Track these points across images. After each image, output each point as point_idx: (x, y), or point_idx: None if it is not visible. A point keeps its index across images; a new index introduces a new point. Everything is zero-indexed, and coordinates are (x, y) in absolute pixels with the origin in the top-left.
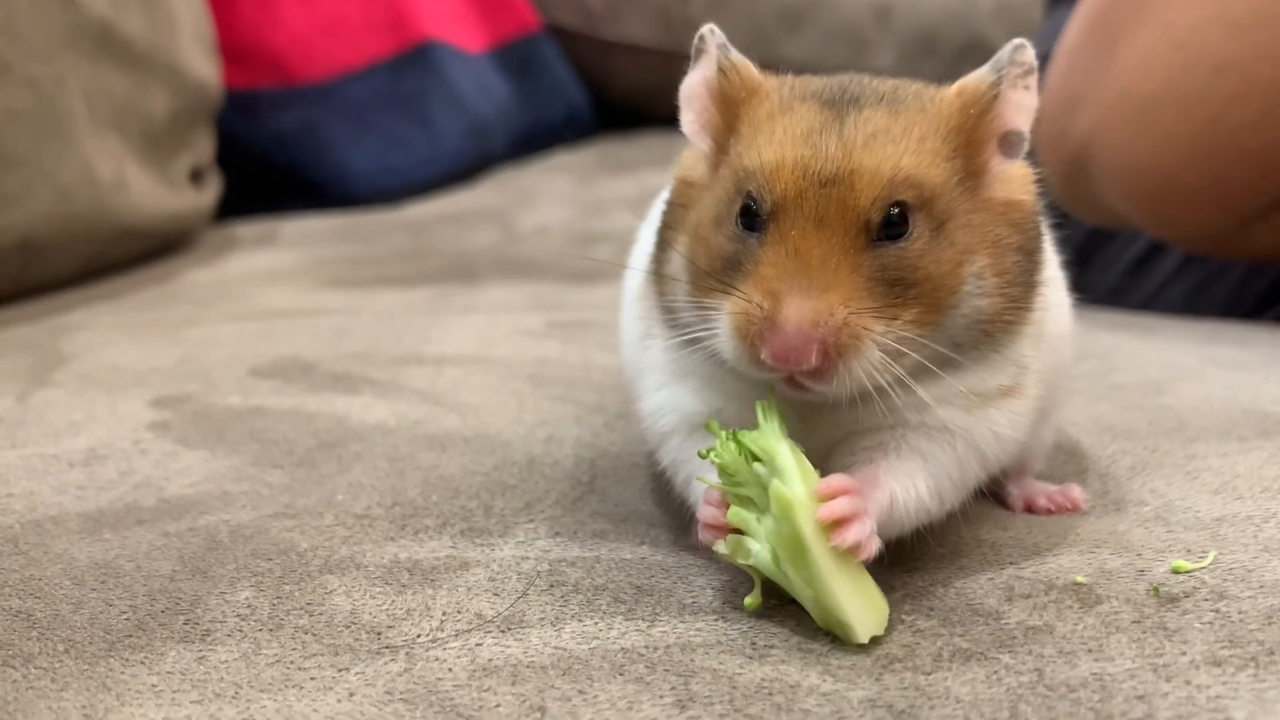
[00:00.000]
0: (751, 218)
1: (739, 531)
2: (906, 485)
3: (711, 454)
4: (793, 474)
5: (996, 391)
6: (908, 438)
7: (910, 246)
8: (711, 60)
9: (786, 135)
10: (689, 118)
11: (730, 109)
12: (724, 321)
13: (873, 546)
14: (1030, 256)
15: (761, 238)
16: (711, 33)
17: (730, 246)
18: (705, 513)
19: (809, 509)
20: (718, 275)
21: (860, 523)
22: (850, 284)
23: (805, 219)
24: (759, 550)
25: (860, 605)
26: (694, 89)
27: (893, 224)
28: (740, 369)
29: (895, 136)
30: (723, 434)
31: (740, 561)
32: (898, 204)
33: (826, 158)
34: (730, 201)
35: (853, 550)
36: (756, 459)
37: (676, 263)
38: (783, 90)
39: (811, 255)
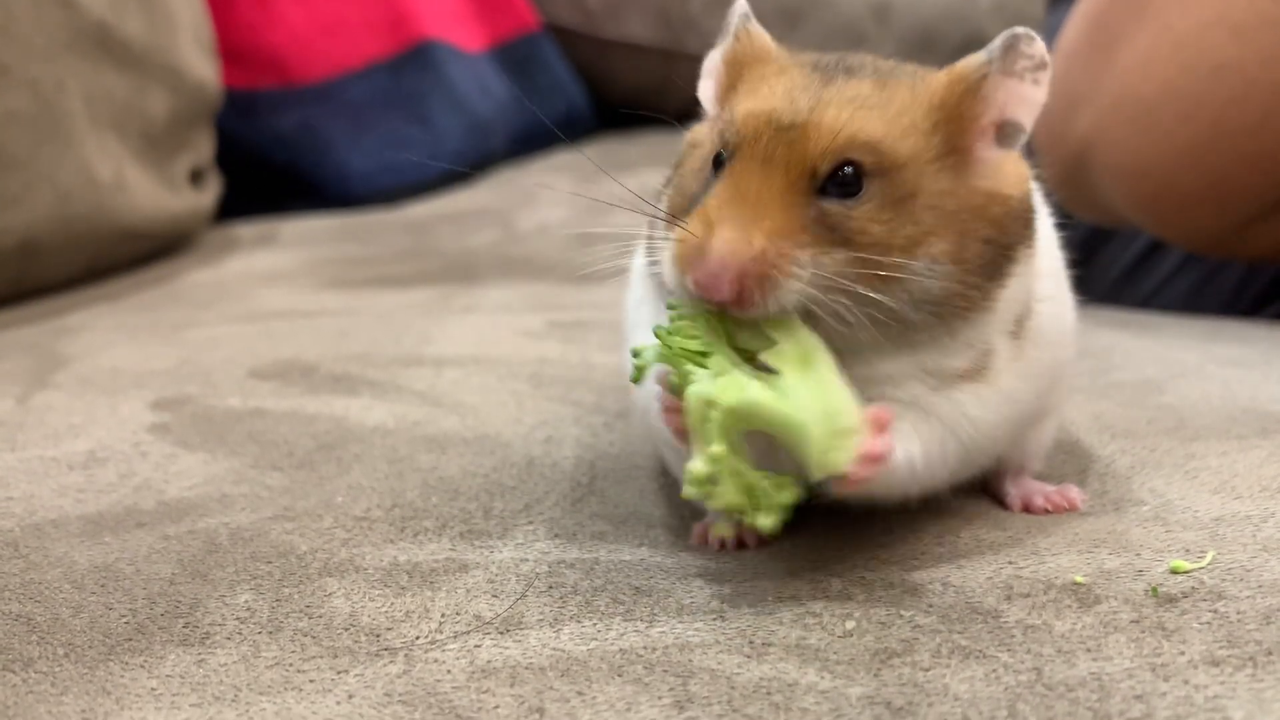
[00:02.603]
0: (720, 161)
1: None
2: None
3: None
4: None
5: (955, 374)
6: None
7: (857, 209)
8: (731, 30)
9: (771, 92)
10: (706, 85)
11: (737, 71)
12: (667, 251)
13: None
14: (1004, 250)
15: (719, 175)
16: (740, 6)
17: (697, 187)
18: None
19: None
20: (679, 212)
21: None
22: (781, 220)
23: (755, 158)
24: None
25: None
26: (713, 58)
27: (845, 183)
28: (681, 298)
29: (871, 104)
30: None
31: (715, 446)
32: (851, 163)
33: (795, 110)
34: (711, 150)
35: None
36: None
37: (662, 208)
38: (785, 57)
39: (750, 190)
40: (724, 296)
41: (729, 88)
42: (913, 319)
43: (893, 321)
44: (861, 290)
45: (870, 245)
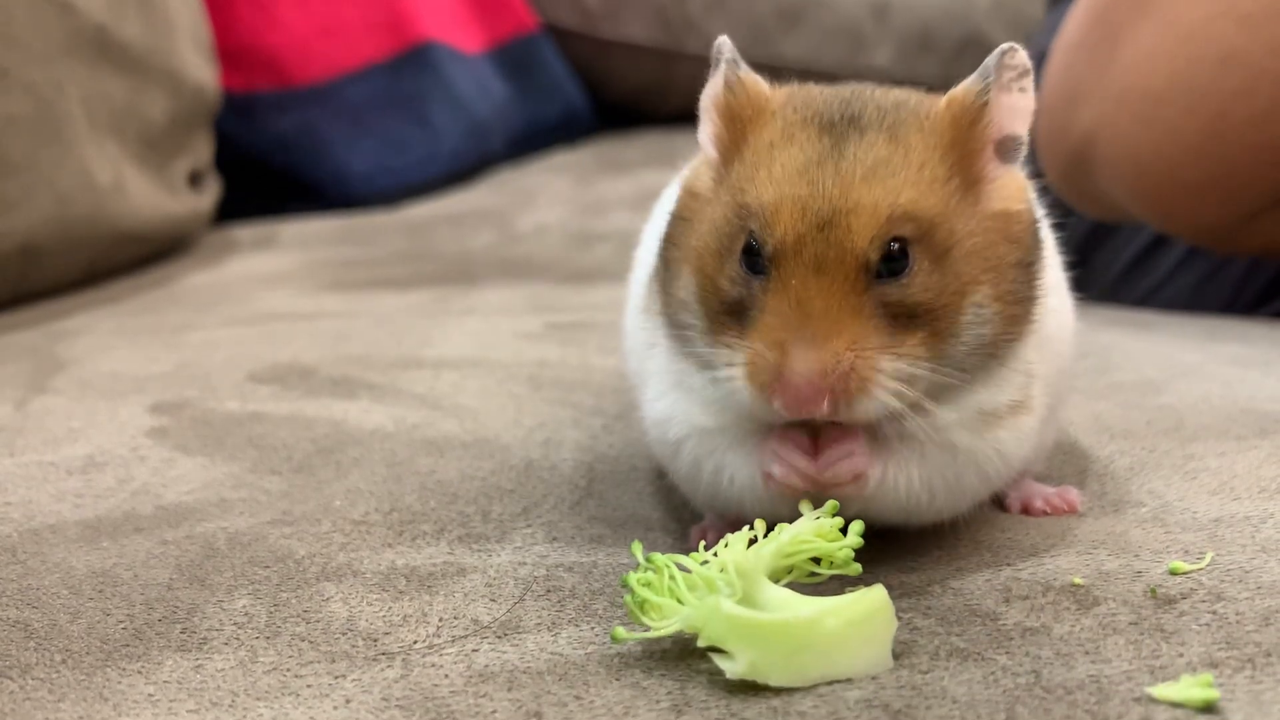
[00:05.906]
0: (754, 258)
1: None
2: (900, 465)
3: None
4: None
5: (1006, 409)
6: (907, 439)
7: (912, 281)
8: (721, 75)
9: (785, 171)
10: (704, 128)
11: (736, 126)
12: (737, 371)
13: (870, 477)
14: (1029, 269)
15: (765, 283)
16: (724, 45)
17: (735, 290)
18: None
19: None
20: (727, 320)
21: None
22: (854, 327)
23: (805, 266)
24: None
25: (866, 642)
26: (706, 102)
27: (893, 259)
28: (760, 414)
29: (894, 167)
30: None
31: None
32: (896, 239)
33: (824, 197)
34: (732, 235)
35: (854, 482)
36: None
37: (685, 290)
38: (787, 111)
39: (814, 303)
40: (819, 414)
41: (731, 145)
42: (970, 364)
43: (953, 373)
44: (934, 367)
45: (927, 313)
